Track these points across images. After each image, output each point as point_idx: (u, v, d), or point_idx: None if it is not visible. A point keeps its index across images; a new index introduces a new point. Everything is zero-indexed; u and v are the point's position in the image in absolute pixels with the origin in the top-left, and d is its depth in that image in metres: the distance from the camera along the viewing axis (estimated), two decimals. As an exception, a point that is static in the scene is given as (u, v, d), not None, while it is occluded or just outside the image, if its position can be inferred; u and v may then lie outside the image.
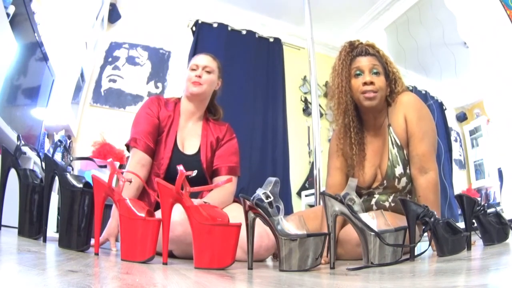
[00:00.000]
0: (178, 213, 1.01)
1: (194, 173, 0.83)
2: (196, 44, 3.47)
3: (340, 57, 1.33)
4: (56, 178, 0.97)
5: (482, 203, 1.09)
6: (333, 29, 4.00)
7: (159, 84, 3.44)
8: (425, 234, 0.93)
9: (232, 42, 3.64)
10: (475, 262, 0.78)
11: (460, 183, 4.24)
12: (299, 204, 3.56)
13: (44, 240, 0.97)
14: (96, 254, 0.88)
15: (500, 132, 2.32)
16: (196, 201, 0.83)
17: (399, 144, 1.29)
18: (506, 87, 2.16)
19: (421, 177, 1.23)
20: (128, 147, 1.41)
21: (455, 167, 4.28)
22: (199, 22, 3.58)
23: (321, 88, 4.04)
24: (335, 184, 1.37)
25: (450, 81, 3.92)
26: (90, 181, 0.91)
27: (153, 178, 1.33)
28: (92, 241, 0.92)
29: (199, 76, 1.46)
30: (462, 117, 4.66)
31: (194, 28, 3.57)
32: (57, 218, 1.70)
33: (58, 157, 2.35)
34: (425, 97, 4.12)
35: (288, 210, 3.06)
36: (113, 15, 3.35)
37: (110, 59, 3.32)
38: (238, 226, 0.80)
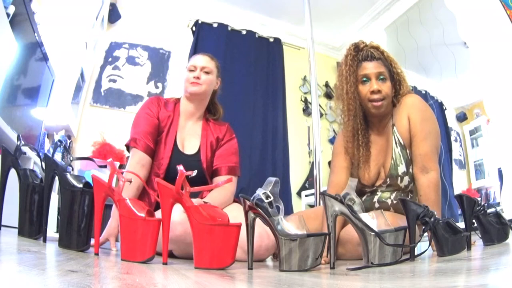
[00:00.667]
0: (178, 213, 1.01)
1: (194, 173, 0.83)
2: (196, 44, 3.47)
3: (347, 61, 1.35)
4: (56, 178, 0.97)
5: (482, 203, 1.09)
6: (333, 29, 4.00)
7: (159, 84, 3.44)
8: (425, 234, 0.93)
9: (232, 42, 3.64)
10: (475, 262, 0.78)
11: (460, 183, 4.24)
12: (299, 204, 3.56)
13: (44, 240, 0.97)
14: (96, 254, 0.88)
15: (500, 132, 2.32)
16: (196, 201, 0.83)
17: (403, 143, 1.31)
18: (506, 87, 2.16)
19: (422, 177, 1.25)
20: (128, 147, 1.41)
21: (455, 167, 4.28)
22: (199, 22, 3.58)
23: (321, 88, 4.04)
24: (339, 183, 1.38)
25: (450, 81, 3.92)
26: (90, 181, 0.91)
27: (153, 178, 1.33)
28: (92, 241, 0.92)
29: (198, 78, 1.46)
30: (462, 117, 4.66)
31: (194, 28, 3.57)
32: (57, 218, 1.70)
33: (58, 157, 2.35)
34: (425, 97, 4.11)
35: (288, 210, 3.06)
36: (113, 15, 3.35)
37: (110, 59, 3.32)
38: (238, 226, 0.80)
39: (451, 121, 4.54)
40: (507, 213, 2.13)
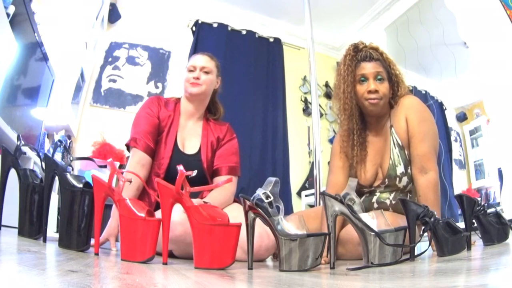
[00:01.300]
0: (178, 213, 1.01)
1: (194, 173, 0.83)
2: (196, 44, 3.47)
3: (345, 61, 1.35)
4: (56, 178, 0.97)
5: (482, 203, 1.09)
6: (333, 29, 4.00)
7: (159, 84, 3.44)
8: (425, 234, 0.93)
9: (232, 42, 3.64)
10: (475, 262, 0.78)
11: (460, 183, 4.23)
12: (299, 204, 3.56)
13: (44, 240, 0.97)
14: (96, 254, 0.88)
15: (500, 132, 2.32)
16: (196, 201, 0.83)
17: (401, 144, 1.32)
18: (506, 87, 2.16)
19: (421, 177, 1.25)
20: (128, 147, 1.41)
21: (455, 167, 4.28)
22: (199, 22, 3.58)
23: (321, 88, 4.04)
24: (337, 183, 1.38)
25: (450, 81, 3.92)
26: (90, 181, 0.91)
27: (153, 178, 1.33)
28: (92, 241, 0.92)
29: (197, 78, 1.46)
30: (462, 117, 4.65)
31: (194, 28, 3.57)
32: (57, 218, 1.70)
33: (58, 157, 2.35)
34: (425, 97, 4.12)
35: (288, 210, 3.06)
36: (113, 15, 3.35)
37: (110, 59, 3.32)
38: (238, 226, 0.80)
39: (451, 121, 4.53)
40: (507, 213, 2.13)
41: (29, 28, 1.71)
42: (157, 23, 3.54)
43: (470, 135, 4.58)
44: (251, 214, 0.81)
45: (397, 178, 1.30)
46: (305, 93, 4.03)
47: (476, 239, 1.12)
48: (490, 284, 0.49)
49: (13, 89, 1.63)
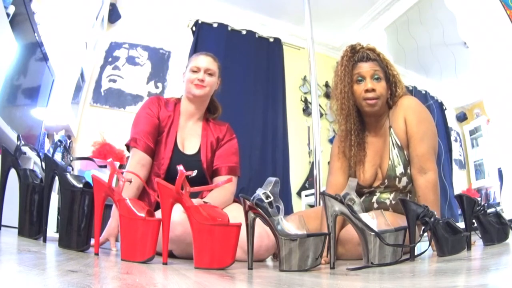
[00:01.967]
0: (178, 213, 1.01)
1: (194, 173, 0.83)
2: (196, 44, 3.47)
3: (342, 62, 1.36)
4: (56, 178, 0.97)
5: (482, 203, 1.09)
6: (333, 29, 4.00)
7: (159, 84, 3.44)
8: (425, 234, 0.93)
9: (232, 42, 3.64)
10: (475, 262, 0.78)
11: (460, 183, 4.24)
12: (299, 204, 3.56)
13: (44, 240, 0.97)
14: (96, 254, 0.88)
15: (500, 132, 2.32)
16: (196, 201, 0.83)
17: (400, 145, 1.32)
18: (506, 87, 2.16)
19: (420, 178, 1.25)
20: (128, 147, 1.41)
21: (455, 167, 4.28)
22: (199, 22, 3.58)
23: (321, 88, 4.04)
24: (336, 184, 1.39)
25: (450, 81, 3.92)
26: (90, 181, 0.91)
27: (153, 178, 1.33)
28: (92, 241, 0.92)
29: (202, 80, 1.45)
30: (462, 117, 4.66)
31: (194, 28, 3.57)
32: (57, 218, 1.70)
33: (58, 157, 2.35)
34: (425, 97, 4.12)
35: (288, 210, 3.06)
36: (113, 15, 3.35)
37: (110, 59, 3.32)
38: (238, 226, 0.80)
39: (451, 121, 4.54)
40: (507, 213, 2.13)
41: (29, 28, 1.71)
42: (157, 23, 3.54)
43: (470, 135, 4.59)
44: (251, 214, 0.81)
45: (397, 179, 1.30)
46: (305, 93, 4.03)
47: (476, 239, 1.12)
48: (490, 284, 0.49)
49: (13, 89, 1.63)
